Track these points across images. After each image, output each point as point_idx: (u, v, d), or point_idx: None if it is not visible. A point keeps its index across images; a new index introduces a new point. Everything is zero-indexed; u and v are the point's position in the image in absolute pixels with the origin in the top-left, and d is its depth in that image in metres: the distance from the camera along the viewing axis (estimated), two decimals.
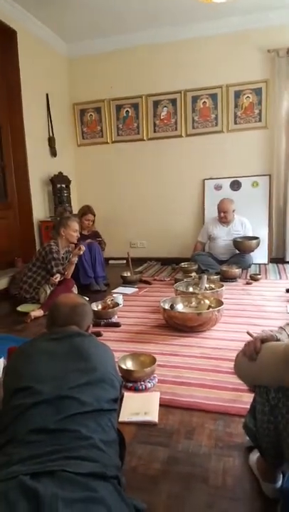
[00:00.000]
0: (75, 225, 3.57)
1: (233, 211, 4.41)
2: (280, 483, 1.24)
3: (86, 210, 4.27)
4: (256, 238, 4.36)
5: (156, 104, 5.02)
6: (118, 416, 1.36)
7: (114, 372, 1.29)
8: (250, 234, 4.48)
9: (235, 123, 4.83)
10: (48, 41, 4.75)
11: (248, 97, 4.74)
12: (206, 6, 3.98)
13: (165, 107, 5.00)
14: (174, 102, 4.95)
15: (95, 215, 4.32)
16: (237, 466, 1.38)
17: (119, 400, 1.29)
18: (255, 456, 1.36)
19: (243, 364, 1.23)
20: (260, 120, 4.76)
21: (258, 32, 4.55)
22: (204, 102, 4.86)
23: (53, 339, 1.32)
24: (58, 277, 3.37)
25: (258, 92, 4.70)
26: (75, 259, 3.57)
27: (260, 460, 1.29)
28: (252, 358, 1.18)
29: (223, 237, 4.44)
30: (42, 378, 1.16)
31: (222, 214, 4.37)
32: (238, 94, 4.76)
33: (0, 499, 0.86)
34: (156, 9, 4.25)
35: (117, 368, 1.63)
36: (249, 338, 2.24)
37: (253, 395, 1.80)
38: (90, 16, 4.34)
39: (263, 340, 1.19)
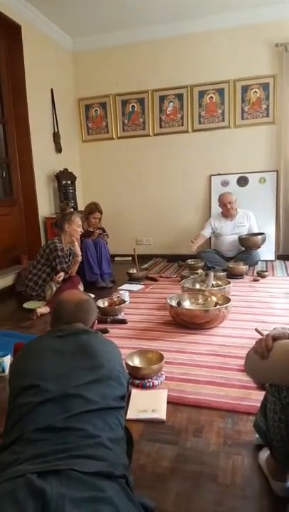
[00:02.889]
0: (78, 221, 3.55)
1: (235, 201, 4.37)
2: None
3: (94, 208, 4.23)
4: (262, 234, 4.32)
5: (162, 99, 4.99)
6: (125, 413, 1.34)
7: (121, 370, 1.28)
8: (256, 226, 4.45)
9: (243, 118, 4.78)
10: (53, 36, 4.72)
11: (255, 91, 4.69)
12: (212, 0, 3.93)
13: (171, 102, 4.96)
14: (180, 97, 4.91)
15: (102, 213, 4.29)
16: (246, 465, 1.37)
17: (126, 398, 1.27)
18: (265, 454, 1.34)
19: (254, 362, 1.21)
20: (267, 115, 4.71)
21: (265, 26, 4.49)
22: (211, 97, 4.82)
23: (58, 337, 1.30)
24: (61, 276, 3.36)
25: (265, 87, 4.65)
26: (79, 258, 3.55)
27: (270, 459, 1.27)
28: (264, 356, 1.15)
29: (229, 232, 4.41)
30: (48, 376, 1.15)
31: (228, 206, 4.33)
32: (245, 89, 4.71)
33: (7, 498, 0.85)
34: (163, 3, 4.21)
35: (124, 365, 1.62)
36: (258, 336, 2.23)
37: (261, 392, 1.78)
38: (95, 11, 4.30)
39: (275, 337, 1.16)
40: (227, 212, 4.40)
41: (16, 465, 0.95)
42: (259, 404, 1.69)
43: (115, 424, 1.12)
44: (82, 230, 3.63)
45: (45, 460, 0.95)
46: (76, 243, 3.55)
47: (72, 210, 3.62)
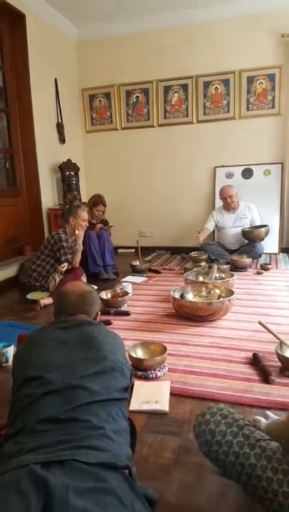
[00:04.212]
0: (84, 215, 3.54)
1: (236, 194, 4.34)
2: None
3: (98, 201, 4.21)
4: (265, 226, 4.30)
5: (166, 89, 4.94)
6: (128, 404, 1.34)
7: (124, 361, 1.28)
8: (258, 218, 4.42)
9: (248, 109, 4.73)
10: (57, 25, 4.67)
11: (261, 82, 4.64)
12: None
13: (176, 92, 4.91)
14: (185, 87, 4.86)
15: (105, 206, 4.27)
16: None
17: (129, 389, 1.27)
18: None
19: None
20: (273, 107, 4.65)
21: (271, 16, 4.43)
22: (216, 87, 4.77)
23: (62, 328, 1.30)
24: (65, 266, 3.36)
25: (271, 77, 4.59)
26: (80, 247, 3.54)
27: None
28: None
29: (231, 225, 4.38)
30: (52, 368, 1.15)
31: (228, 199, 4.31)
32: (250, 80, 4.65)
33: (11, 487, 0.85)
34: None
35: (127, 357, 1.61)
36: (261, 329, 2.23)
37: (264, 385, 1.79)
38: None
39: None
40: (228, 206, 4.38)
41: (20, 455, 0.95)
42: (262, 397, 1.70)
43: (118, 416, 1.12)
44: (87, 225, 3.62)
45: (49, 451, 0.95)
46: (80, 233, 3.53)
47: (79, 203, 3.59)
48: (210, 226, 4.47)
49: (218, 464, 1.08)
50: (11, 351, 2.14)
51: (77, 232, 3.49)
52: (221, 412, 1.13)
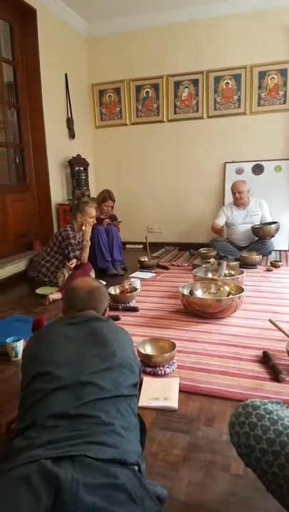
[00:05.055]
0: (92, 212, 3.51)
1: (248, 191, 4.31)
2: None
3: (107, 196, 4.20)
4: (275, 223, 4.25)
5: (177, 84, 4.90)
6: (138, 401, 1.34)
7: (133, 357, 1.28)
8: (269, 214, 4.38)
9: (259, 105, 4.68)
10: (68, 20, 4.65)
11: (272, 77, 4.58)
12: None
13: (186, 87, 4.87)
14: (195, 82, 4.82)
15: (114, 201, 4.26)
16: None
17: (138, 385, 1.27)
18: None
19: None
20: (284, 102, 4.60)
21: (283, 10, 4.36)
22: (227, 82, 4.72)
23: (71, 324, 1.31)
24: (73, 263, 3.37)
25: (283, 72, 4.53)
26: (88, 243, 3.53)
27: None
28: None
29: (241, 222, 4.35)
30: (61, 363, 1.15)
31: (237, 195, 4.26)
32: (262, 75, 4.60)
33: (21, 482, 0.86)
34: None
35: (136, 353, 1.61)
36: (271, 326, 2.21)
37: (274, 384, 1.77)
38: None
39: None
40: (237, 202, 4.34)
41: (30, 450, 0.96)
42: (272, 396, 1.69)
43: (128, 412, 1.12)
44: (94, 221, 3.61)
45: (59, 446, 0.96)
46: (87, 230, 3.52)
47: (87, 199, 3.57)
48: (221, 221, 4.43)
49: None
50: (20, 345, 2.15)
51: (84, 228, 3.49)
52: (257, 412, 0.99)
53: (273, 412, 0.98)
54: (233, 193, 4.31)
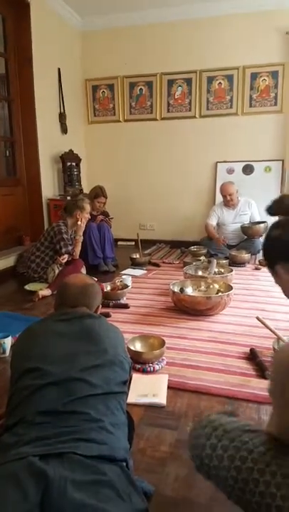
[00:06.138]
0: (88, 208, 3.59)
1: (237, 191, 4.34)
2: None
3: (99, 193, 4.19)
4: (264, 222, 4.30)
5: (170, 83, 4.90)
6: (127, 397, 1.35)
7: (124, 355, 1.28)
8: (257, 214, 4.42)
9: (251, 106, 4.71)
10: (62, 14, 4.61)
11: (264, 79, 4.61)
12: None
13: (180, 86, 4.88)
14: (189, 81, 4.82)
15: (106, 198, 4.26)
16: None
17: (128, 383, 1.28)
18: None
19: None
20: (275, 104, 4.63)
21: (277, 13, 4.39)
22: (220, 83, 4.74)
23: (62, 320, 1.30)
24: (65, 258, 3.36)
25: (274, 75, 4.57)
26: (81, 238, 3.54)
27: None
28: None
29: (231, 221, 4.38)
30: (51, 360, 1.15)
31: (228, 197, 4.29)
32: (254, 77, 4.62)
33: (9, 479, 0.86)
34: None
35: (126, 350, 1.62)
36: (259, 324, 2.23)
37: (261, 380, 1.79)
38: None
39: None
40: (227, 203, 4.38)
41: (18, 447, 0.96)
42: (259, 392, 1.71)
43: (117, 409, 1.12)
44: (89, 217, 3.64)
45: (48, 443, 0.96)
46: (82, 225, 3.54)
47: (83, 197, 3.60)
48: (214, 221, 4.46)
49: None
50: (8, 342, 2.14)
51: (79, 223, 3.50)
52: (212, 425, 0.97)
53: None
54: (224, 196, 4.34)
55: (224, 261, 3.90)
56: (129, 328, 2.42)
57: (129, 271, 3.82)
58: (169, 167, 5.12)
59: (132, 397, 1.66)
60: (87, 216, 3.58)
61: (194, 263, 3.69)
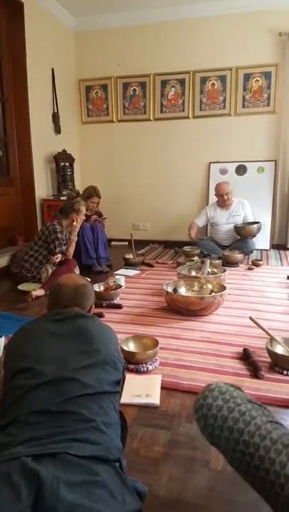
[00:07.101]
0: (84, 211, 3.62)
1: (231, 191, 4.36)
2: None
3: (92, 193, 4.19)
4: (257, 223, 4.32)
5: (164, 83, 4.91)
6: (120, 397, 1.35)
7: (117, 355, 1.28)
8: (251, 214, 4.45)
9: (244, 106, 4.73)
10: (56, 14, 4.61)
11: (257, 80, 4.63)
12: None
13: (173, 87, 4.89)
14: (182, 82, 4.84)
15: (100, 198, 4.26)
16: None
17: (121, 383, 1.28)
18: None
19: None
20: (268, 105, 4.66)
21: (269, 14, 4.42)
22: (213, 83, 4.75)
23: (55, 320, 1.30)
24: (59, 257, 3.36)
25: (267, 75, 4.59)
26: (75, 238, 3.54)
27: None
28: None
29: (224, 222, 4.40)
30: (44, 359, 1.15)
31: (225, 196, 4.31)
32: (247, 77, 4.65)
33: (2, 480, 0.86)
34: None
35: (120, 350, 1.62)
36: (252, 324, 2.24)
37: (254, 380, 1.80)
38: None
39: None
40: (223, 203, 4.38)
41: (11, 447, 0.95)
42: (252, 392, 1.72)
43: (110, 409, 1.12)
44: (85, 218, 3.66)
45: (41, 443, 0.96)
46: (77, 226, 3.55)
47: (79, 199, 3.60)
48: (200, 222, 4.48)
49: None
50: (1, 342, 2.13)
51: (74, 223, 3.51)
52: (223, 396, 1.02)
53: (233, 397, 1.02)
54: (220, 195, 4.34)
55: (217, 261, 3.91)
56: (123, 329, 2.43)
57: (123, 271, 3.82)
58: (162, 167, 5.13)
59: (126, 398, 1.67)
60: (83, 218, 3.60)
61: (188, 263, 3.70)
